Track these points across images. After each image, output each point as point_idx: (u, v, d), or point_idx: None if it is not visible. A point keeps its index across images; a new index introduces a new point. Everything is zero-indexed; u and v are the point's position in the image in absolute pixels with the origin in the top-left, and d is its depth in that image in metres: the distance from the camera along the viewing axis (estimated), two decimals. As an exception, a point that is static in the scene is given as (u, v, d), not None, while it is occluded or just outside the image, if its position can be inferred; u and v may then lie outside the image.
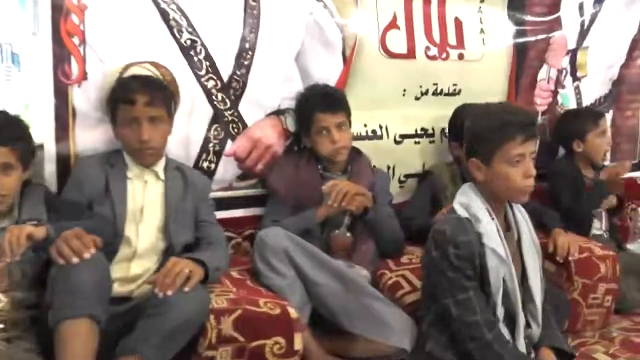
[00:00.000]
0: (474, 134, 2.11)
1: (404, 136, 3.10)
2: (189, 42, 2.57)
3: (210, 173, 2.70)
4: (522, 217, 2.19)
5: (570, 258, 2.75)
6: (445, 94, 3.18)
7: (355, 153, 2.80)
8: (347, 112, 2.70)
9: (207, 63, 2.62)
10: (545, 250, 2.71)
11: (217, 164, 2.71)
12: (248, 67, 2.70)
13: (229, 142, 2.72)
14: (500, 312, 2.05)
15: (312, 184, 2.64)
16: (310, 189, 2.63)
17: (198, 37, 2.59)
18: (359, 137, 2.97)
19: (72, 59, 2.40)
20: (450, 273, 2.01)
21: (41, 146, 2.37)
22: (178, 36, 2.56)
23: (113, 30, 2.44)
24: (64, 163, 2.40)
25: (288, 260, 2.33)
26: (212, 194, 2.64)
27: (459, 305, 2.01)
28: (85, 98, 2.42)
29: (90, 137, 2.44)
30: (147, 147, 2.29)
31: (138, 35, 2.48)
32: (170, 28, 2.54)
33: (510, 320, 2.09)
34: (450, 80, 3.17)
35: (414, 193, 3.02)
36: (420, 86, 3.11)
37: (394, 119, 3.06)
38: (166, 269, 2.04)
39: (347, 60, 2.91)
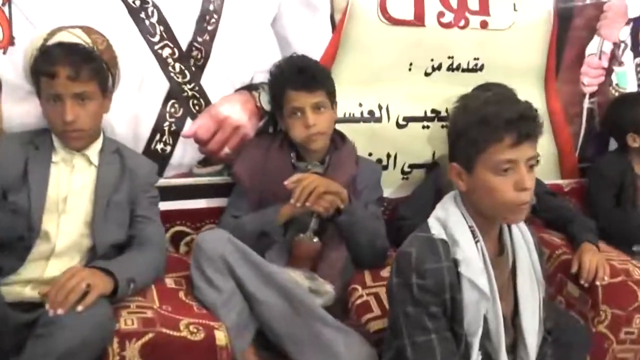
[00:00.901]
0: (451, 132, 1.74)
1: (409, 119, 2.70)
2: (138, 2, 2.26)
3: (164, 157, 2.40)
4: (521, 238, 1.80)
5: (597, 282, 2.29)
6: (464, 70, 2.75)
7: (339, 139, 2.43)
8: (329, 91, 2.32)
9: (161, 27, 2.30)
10: (568, 269, 2.38)
11: (173, 146, 2.41)
12: (212, 33, 2.37)
13: (189, 120, 2.41)
14: (476, 357, 1.69)
15: (280, 175, 2.27)
16: (278, 181, 2.25)
17: None
18: (352, 119, 2.62)
19: None
20: (410, 308, 1.65)
21: (-40, 122, 2.14)
22: None
23: None
24: (-13, 140, 2.14)
25: (227, 270, 2.00)
26: (167, 181, 2.42)
27: (416, 350, 1.66)
28: (13, 66, 2.15)
29: (19, 111, 2.19)
30: (71, 128, 2.00)
31: None
32: None
33: None
34: (470, 54, 2.74)
35: (416, 188, 2.65)
36: (432, 60, 2.70)
37: (396, 98, 2.67)
38: (59, 283, 1.76)
39: (336, 26, 2.52)
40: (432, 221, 1.73)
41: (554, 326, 1.94)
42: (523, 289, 1.77)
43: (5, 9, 2.13)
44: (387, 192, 2.64)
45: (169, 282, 2.10)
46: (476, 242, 1.69)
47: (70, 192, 2.05)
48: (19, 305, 1.87)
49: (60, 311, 1.69)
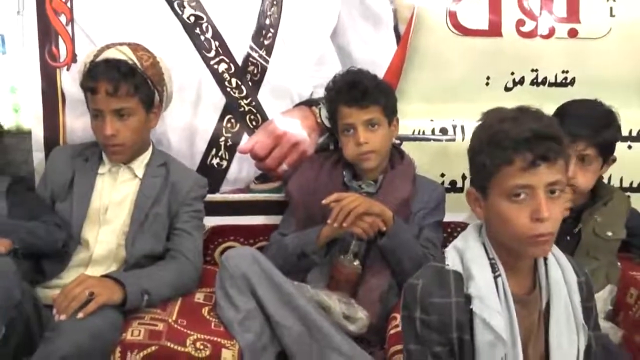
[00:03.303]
0: (468, 152, 1.55)
1: None
2: (192, 18, 2.29)
3: (220, 172, 2.40)
4: (560, 275, 1.56)
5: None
6: (551, 84, 2.49)
7: (398, 157, 2.28)
8: (385, 107, 2.17)
9: (217, 43, 2.31)
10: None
11: (229, 161, 2.40)
12: (269, 48, 2.34)
13: (245, 136, 2.38)
14: None
15: (330, 193, 2.14)
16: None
17: (204, 12, 2.28)
18: (422, 137, 2.47)
19: (60, 40, 2.25)
20: (412, 346, 1.49)
21: (29, 133, 2.29)
22: (179, 12, 2.29)
23: (104, 7, 2.27)
24: (52, 152, 2.28)
25: (249, 290, 1.92)
26: (223, 197, 2.40)
27: None
28: (75, 82, 2.22)
29: (81, 124, 2.29)
30: (111, 143, 2.07)
31: (133, 13, 2.29)
32: (170, 2, 2.29)
33: None
34: (558, 66, 2.49)
35: None
36: (512, 73, 2.48)
37: (473, 116, 2.36)
38: (66, 289, 1.80)
39: (401, 38, 2.38)
40: (449, 251, 1.55)
41: None
42: (556, 334, 1.52)
43: (69, 28, 2.24)
44: (462, 217, 2.44)
45: (199, 296, 2.09)
46: (496, 277, 1.48)
47: (110, 203, 2.10)
48: None
49: (62, 317, 1.72)
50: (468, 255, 1.50)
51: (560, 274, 1.54)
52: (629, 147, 2.44)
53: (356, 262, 2.12)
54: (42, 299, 1.91)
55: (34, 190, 2.20)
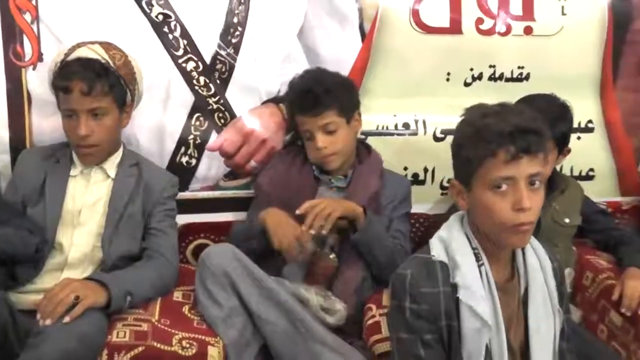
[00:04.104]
0: (452, 146, 1.60)
1: (447, 132, 2.51)
2: (161, 17, 2.25)
3: (190, 170, 2.38)
4: (536, 262, 1.62)
5: (640, 311, 2.08)
6: (508, 79, 2.55)
7: (365, 152, 2.31)
8: (340, 109, 2.18)
9: (185, 41, 2.27)
10: (612, 295, 2.18)
11: (198, 159, 2.38)
12: (237, 46, 2.31)
13: (214, 134, 2.36)
14: None
15: (303, 189, 2.21)
16: (299, 193, 2.19)
17: (172, 10, 2.24)
18: (386, 132, 2.50)
19: (25, 38, 2.17)
20: (403, 334, 1.52)
21: (-7, 135, 2.22)
22: (148, 10, 2.23)
23: (71, 4, 2.19)
24: (19, 153, 2.17)
25: (230, 287, 1.92)
26: (192, 194, 2.38)
27: None
28: (42, 82, 2.18)
29: (48, 125, 2.23)
30: (86, 143, 2.01)
31: (100, 11, 2.22)
32: (138, 1, 2.24)
33: None
34: (514, 62, 2.55)
35: (452, 204, 2.39)
36: (471, 69, 2.53)
37: (434, 110, 2.52)
38: (50, 294, 1.76)
39: (366, 36, 2.40)
40: (434, 242, 1.59)
41: (583, 358, 1.75)
42: (535, 317, 1.58)
43: (34, 26, 2.16)
44: (425, 208, 2.52)
45: (177, 295, 2.06)
46: (479, 266, 1.53)
47: (84, 205, 2.06)
48: (33, 313, 1.81)
49: (48, 322, 1.68)
50: (453, 245, 1.55)
51: (536, 261, 1.61)
52: (579, 137, 2.54)
53: (332, 256, 2.15)
54: (16, 304, 1.85)
55: (0, 195, 2.11)
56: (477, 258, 1.53)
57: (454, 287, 1.50)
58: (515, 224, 1.45)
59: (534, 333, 1.57)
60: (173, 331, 1.81)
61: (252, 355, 1.93)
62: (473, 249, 1.54)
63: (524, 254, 1.60)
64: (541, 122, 1.51)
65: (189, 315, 1.94)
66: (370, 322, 2.04)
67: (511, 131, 1.43)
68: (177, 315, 1.92)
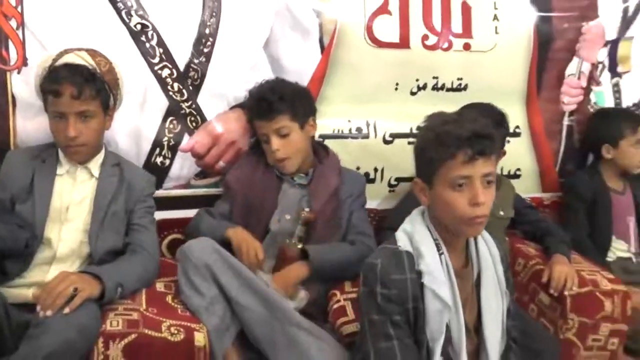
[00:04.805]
0: (415, 149, 1.67)
1: (395, 135, 2.61)
2: (139, 26, 2.23)
3: (164, 169, 2.37)
4: (487, 251, 1.72)
5: (565, 292, 2.21)
6: (448, 90, 2.66)
7: (323, 153, 2.37)
8: (293, 114, 2.22)
9: (161, 50, 2.26)
10: (541, 278, 2.32)
11: (172, 159, 2.37)
12: (208, 55, 2.32)
13: (186, 136, 2.37)
14: None
15: (267, 187, 2.27)
16: (264, 192, 2.26)
17: (149, 21, 2.23)
18: (341, 135, 2.56)
19: (10, 44, 2.13)
20: (375, 316, 1.59)
21: (-21, 137, 2.15)
22: (127, 20, 2.22)
23: (55, 12, 2.16)
24: (3, 155, 2.12)
25: (211, 277, 1.94)
26: (166, 192, 2.37)
27: (378, 356, 1.60)
28: (26, 85, 2.16)
29: (32, 127, 2.19)
30: (74, 144, 2.00)
31: (83, 19, 2.18)
32: (118, 11, 2.21)
33: None
34: (454, 74, 2.65)
35: (402, 199, 2.52)
36: (417, 80, 2.62)
37: (384, 116, 2.59)
38: (49, 286, 1.74)
39: (325, 49, 2.45)
40: (399, 234, 1.67)
41: (522, 334, 1.85)
42: (487, 299, 1.69)
43: (19, 32, 2.13)
44: (374, 204, 2.59)
45: (160, 286, 2.05)
46: (440, 255, 1.62)
47: (71, 203, 2.04)
48: (24, 306, 1.85)
49: (48, 313, 1.66)
50: (416, 237, 1.63)
51: (487, 249, 1.71)
52: (508, 141, 2.63)
53: (300, 245, 2.20)
54: (6, 298, 1.80)
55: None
56: (438, 248, 1.63)
57: (419, 274, 1.58)
58: (471, 216, 1.55)
59: (485, 312, 1.68)
60: (161, 319, 1.81)
61: (231, 339, 1.95)
62: (434, 239, 1.63)
63: (476, 244, 1.70)
64: (493, 128, 1.60)
65: (172, 304, 1.94)
66: (335, 306, 2.12)
67: (468, 136, 1.52)
68: (162, 304, 1.92)
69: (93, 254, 2.00)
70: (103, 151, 2.11)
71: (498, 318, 1.70)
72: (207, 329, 1.86)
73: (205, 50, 2.30)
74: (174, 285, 2.03)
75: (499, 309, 1.70)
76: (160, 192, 2.31)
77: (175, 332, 1.78)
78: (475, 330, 1.69)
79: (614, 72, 2.95)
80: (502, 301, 1.71)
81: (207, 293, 1.92)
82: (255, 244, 2.11)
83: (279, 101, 2.19)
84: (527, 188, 2.82)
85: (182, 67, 2.29)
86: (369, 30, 2.48)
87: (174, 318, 1.84)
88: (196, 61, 2.30)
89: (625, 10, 2.89)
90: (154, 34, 2.23)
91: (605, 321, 2.22)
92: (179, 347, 1.75)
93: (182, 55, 2.29)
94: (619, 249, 2.71)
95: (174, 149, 2.35)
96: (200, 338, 1.80)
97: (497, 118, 2.34)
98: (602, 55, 2.91)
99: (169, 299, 1.98)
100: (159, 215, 2.23)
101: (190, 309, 1.92)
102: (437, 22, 2.57)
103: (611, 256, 2.70)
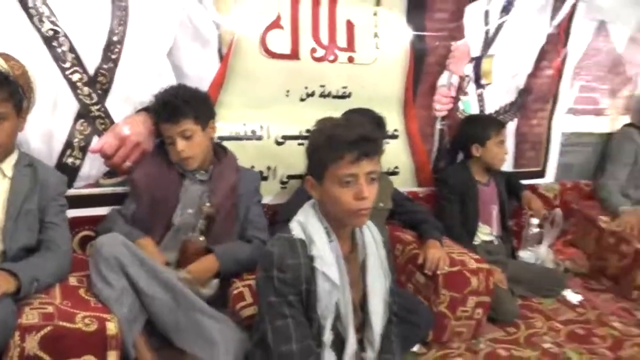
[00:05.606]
0: (307, 150, 1.73)
1: (286, 137, 2.66)
2: (51, 32, 2.16)
3: (74, 169, 2.31)
4: (371, 237, 1.81)
5: (438, 272, 2.36)
6: (334, 97, 2.73)
7: (222, 152, 2.40)
8: (195, 117, 2.23)
9: (72, 55, 2.20)
10: (417, 261, 2.46)
11: (82, 160, 2.32)
12: (116, 61, 2.28)
13: (96, 138, 2.32)
14: (328, 337, 1.70)
15: (170, 184, 2.28)
16: (168, 188, 2.27)
17: (61, 27, 2.17)
18: (237, 137, 2.58)
19: None
20: (272, 297, 1.65)
21: None
22: (39, 26, 2.14)
23: None
24: None
25: (120, 270, 1.92)
26: (77, 191, 2.30)
27: (275, 333, 1.65)
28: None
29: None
30: None
31: None
32: (30, 17, 2.13)
33: (342, 344, 1.73)
34: (339, 83, 2.72)
35: (293, 195, 2.57)
36: (306, 88, 2.67)
37: (276, 120, 2.63)
38: None
39: (223, 58, 2.46)
40: (293, 224, 1.73)
41: (402, 309, 1.96)
42: (371, 280, 1.78)
43: None
44: (268, 200, 2.63)
45: (73, 280, 2.01)
46: (330, 242, 1.70)
47: None
48: None
49: None
50: (309, 227, 1.70)
51: (371, 237, 1.81)
52: (387, 142, 2.78)
53: (202, 238, 2.23)
54: None
55: None
56: (328, 235, 1.69)
57: (311, 259, 1.65)
58: (357, 209, 1.63)
59: (370, 292, 1.77)
60: (75, 311, 1.79)
61: (139, 327, 1.95)
62: (324, 228, 1.70)
63: (362, 232, 1.78)
64: (377, 132, 1.69)
65: (85, 297, 1.91)
66: (235, 292, 2.18)
67: (356, 139, 1.60)
68: (76, 297, 1.89)
69: (7, 251, 1.93)
70: (16, 152, 2.03)
71: (381, 296, 1.80)
72: (118, 319, 1.84)
73: (114, 56, 2.26)
74: (86, 279, 1.99)
75: (382, 288, 1.80)
76: (71, 191, 2.25)
77: (89, 322, 1.76)
78: (361, 307, 1.78)
79: (478, 84, 3.16)
80: (385, 281, 1.81)
81: (117, 285, 1.91)
82: (159, 257, 2.12)
83: (183, 105, 2.19)
84: (405, 183, 2.97)
85: (92, 72, 2.24)
86: (263, 42, 2.51)
87: (87, 310, 1.82)
88: (105, 67, 2.26)
89: (487, 32, 3.09)
90: (66, 39, 2.17)
91: (471, 295, 2.40)
92: (92, 337, 1.74)
93: (92, 61, 2.24)
94: (483, 233, 2.92)
95: (84, 150, 2.30)
96: (111, 327, 1.79)
97: (375, 122, 2.44)
98: (468, 69, 3.09)
99: (82, 292, 1.94)
100: (71, 213, 2.17)
101: (101, 301, 1.89)
102: (324, 37, 2.62)
103: (477, 240, 2.90)
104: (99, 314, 1.82)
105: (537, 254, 3.10)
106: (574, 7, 3.33)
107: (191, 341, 1.94)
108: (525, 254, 3.07)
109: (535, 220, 3.08)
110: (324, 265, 1.66)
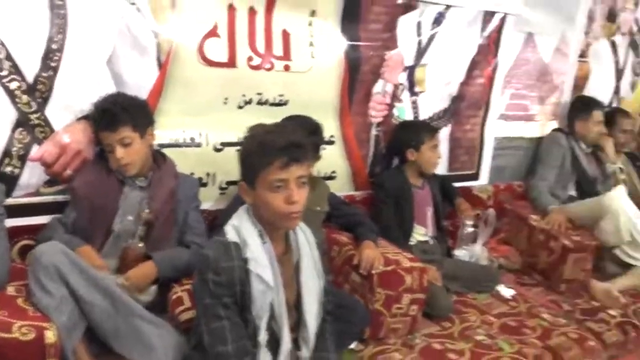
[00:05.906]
0: (239, 156, 1.76)
1: (225, 144, 2.67)
2: None
3: (13, 178, 2.28)
4: (304, 239, 1.85)
5: (373, 271, 2.43)
6: (272, 104, 2.74)
7: (161, 159, 2.41)
8: (134, 125, 2.24)
9: (9, 63, 2.18)
10: (352, 262, 2.48)
11: (21, 169, 2.29)
12: (55, 69, 2.26)
13: (36, 146, 2.30)
14: (263, 337, 1.73)
15: (110, 191, 2.28)
16: (106, 197, 2.28)
17: None
18: (176, 144, 2.58)
19: None
20: (207, 300, 1.68)
21: None
22: None
23: None
24: None
25: (60, 278, 1.91)
26: (15, 200, 2.28)
27: (211, 335, 1.69)
28: None
29: None
30: None
31: None
32: None
33: (277, 344, 1.77)
34: (276, 91, 2.74)
35: (232, 200, 2.56)
36: (244, 95, 2.67)
37: (214, 127, 2.65)
38: None
39: (162, 66, 2.47)
40: (228, 228, 1.76)
41: (339, 307, 2.01)
42: (305, 280, 1.82)
43: None
44: (208, 205, 2.64)
45: (11, 290, 1.99)
46: (263, 244, 1.73)
47: None
48: None
49: None
50: (243, 230, 1.73)
51: (305, 238, 1.84)
52: (324, 148, 2.80)
53: (141, 245, 2.24)
54: None
55: None
56: (262, 238, 1.73)
57: (245, 261, 1.68)
58: (287, 212, 1.67)
59: (304, 291, 1.81)
60: (12, 320, 1.78)
61: (79, 334, 1.94)
62: (258, 231, 1.73)
63: (295, 233, 1.82)
64: (307, 138, 1.73)
65: (24, 306, 1.89)
66: (174, 297, 2.19)
67: (285, 145, 1.64)
68: (13, 307, 1.88)
69: None
70: None
71: (315, 295, 1.84)
72: (57, 327, 1.83)
73: (53, 64, 2.24)
74: (25, 289, 1.97)
75: (316, 288, 1.84)
76: (10, 200, 2.23)
77: (26, 332, 1.76)
78: (296, 307, 1.81)
79: (412, 92, 3.23)
80: (319, 281, 1.85)
81: (56, 293, 1.89)
82: (100, 264, 2.12)
83: (121, 113, 2.20)
84: (342, 187, 3.02)
85: (30, 80, 2.21)
86: (201, 50, 2.51)
87: (24, 319, 1.81)
88: (44, 75, 2.23)
89: (420, 42, 3.17)
90: (3, 47, 2.14)
91: (406, 292, 2.46)
92: (30, 346, 1.74)
93: (30, 69, 2.21)
94: (419, 234, 3.00)
95: (23, 159, 2.27)
96: (50, 335, 1.79)
97: (312, 128, 2.50)
98: (402, 78, 3.16)
99: (19, 301, 1.93)
100: (10, 222, 2.15)
101: (40, 310, 1.87)
102: (260, 45, 2.64)
103: (413, 240, 2.98)
104: (37, 322, 1.81)
105: (472, 252, 3.19)
106: (503, 20, 3.46)
107: (130, 347, 1.95)
108: (460, 253, 3.16)
109: (469, 221, 3.18)
110: (257, 267, 1.69)
